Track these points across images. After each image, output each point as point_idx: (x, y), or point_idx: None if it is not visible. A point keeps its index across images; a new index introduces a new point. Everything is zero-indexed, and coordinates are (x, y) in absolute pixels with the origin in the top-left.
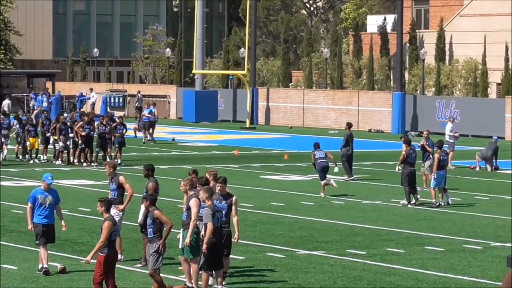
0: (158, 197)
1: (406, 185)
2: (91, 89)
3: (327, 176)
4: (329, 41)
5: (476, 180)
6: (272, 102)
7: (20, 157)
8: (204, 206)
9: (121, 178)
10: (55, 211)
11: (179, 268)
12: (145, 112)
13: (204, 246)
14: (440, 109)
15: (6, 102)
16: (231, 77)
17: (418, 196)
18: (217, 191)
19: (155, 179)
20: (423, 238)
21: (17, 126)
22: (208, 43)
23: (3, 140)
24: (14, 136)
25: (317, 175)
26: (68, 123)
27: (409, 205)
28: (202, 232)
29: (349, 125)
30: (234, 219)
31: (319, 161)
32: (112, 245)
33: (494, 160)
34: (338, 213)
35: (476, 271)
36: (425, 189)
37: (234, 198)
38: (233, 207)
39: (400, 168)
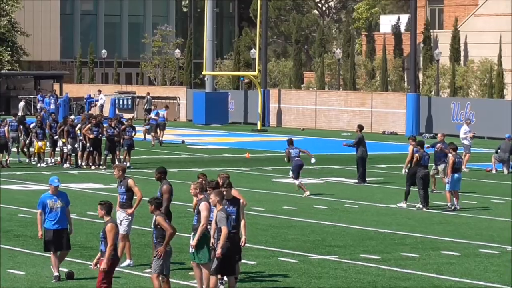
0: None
1: (420, 188)
2: (100, 91)
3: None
4: (342, 41)
5: (493, 183)
6: (284, 103)
7: (21, 159)
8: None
9: (130, 182)
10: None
11: (190, 273)
12: (152, 115)
13: (219, 251)
14: (455, 111)
15: (22, 105)
16: (241, 78)
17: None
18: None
19: (169, 182)
20: (438, 242)
21: (22, 129)
22: (218, 43)
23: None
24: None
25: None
26: (79, 125)
27: (425, 209)
28: (212, 239)
29: (360, 127)
30: (242, 223)
31: (295, 159)
32: (114, 249)
33: (511, 162)
34: (351, 216)
35: (492, 276)
36: (434, 192)
37: (241, 201)
38: (240, 211)
39: (406, 170)
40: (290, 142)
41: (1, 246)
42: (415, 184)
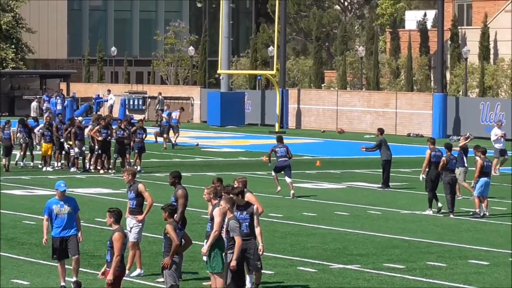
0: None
1: (447, 193)
2: (109, 91)
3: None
4: (365, 38)
5: None
6: (303, 104)
7: (21, 163)
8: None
9: (140, 186)
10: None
11: (204, 283)
12: (164, 115)
13: (233, 263)
14: (485, 112)
15: (34, 105)
16: (259, 77)
17: (441, 205)
18: None
19: (184, 187)
20: (466, 250)
21: (22, 131)
22: (234, 41)
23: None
24: (20, 142)
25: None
26: (90, 126)
27: (451, 215)
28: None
29: (381, 130)
30: (257, 230)
31: (280, 159)
32: (121, 259)
33: None
34: (374, 223)
35: None
36: (459, 197)
37: (255, 207)
38: (256, 217)
39: (424, 176)
40: (280, 140)
41: (5, 254)
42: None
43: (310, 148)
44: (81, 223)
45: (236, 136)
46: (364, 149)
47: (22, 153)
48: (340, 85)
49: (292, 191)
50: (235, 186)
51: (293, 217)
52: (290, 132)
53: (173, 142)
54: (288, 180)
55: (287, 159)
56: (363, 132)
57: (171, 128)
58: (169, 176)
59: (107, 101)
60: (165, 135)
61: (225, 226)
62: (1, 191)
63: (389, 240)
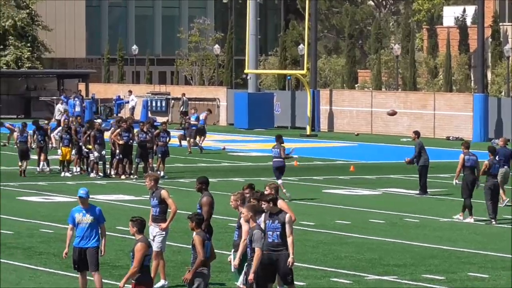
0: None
1: (488, 199)
2: (130, 92)
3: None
4: (400, 36)
5: None
6: (336, 105)
7: (38, 169)
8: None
9: (163, 193)
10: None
11: None
12: (192, 119)
13: (251, 276)
14: None
15: (60, 108)
16: (288, 77)
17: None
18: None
19: (210, 194)
20: (510, 261)
21: (37, 134)
22: (262, 38)
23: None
24: (34, 147)
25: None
26: (112, 129)
27: (494, 222)
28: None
29: (418, 133)
30: (289, 240)
31: (273, 159)
32: (146, 272)
33: None
34: (412, 232)
35: None
36: (504, 204)
37: (287, 215)
38: (288, 226)
39: (457, 181)
40: (278, 138)
41: (22, 265)
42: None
43: (343, 152)
44: None
45: (265, 140)
46: (408, 161)
47: (37, 157)
48: (374, 85)
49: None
50: (266, 192)
51: (325, 225)
52: (322, 135)
53: (200, 145)
54: (278, 182)
55: (281, 159)
56: (399, 135)
57: (198, 132)
58: (195, 182)
59: (128, 102)
60: (191, 140)
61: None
62: (17, 198)
63: (428, 249)
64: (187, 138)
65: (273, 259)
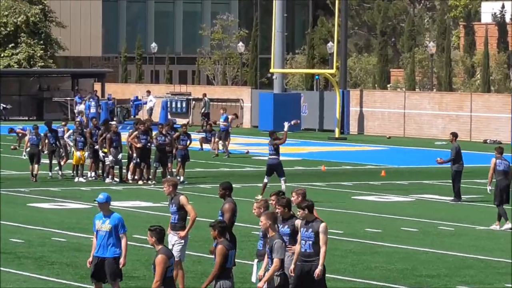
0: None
1: None
2: (148, 92)
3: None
4: (435, 33)
5: None
6: (367, 107)
7: (50, 173)
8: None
9: (182, 199)
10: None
11: None
12: (221, 120)
13: (261, 283)
14: None
15: (81, 108)
16: (317, 77)
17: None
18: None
19: (233, 200)
20: None
21: (50, 136)
22: (289, 36)
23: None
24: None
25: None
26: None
27: None
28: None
29: (456, 135)
30: (322, 250)
31: (269, 157)
32: (169, 283)
33: None
34: (446, 241)
35: None
36: None
37: (322, 224)
38: (322, 236)
39: (491, 188)
40: (271, 134)
41: (33, 275)
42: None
43: (374, 156)
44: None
45: (291, 143)
46: (440, 162)
47: (48, 161)
48: (408, 85)
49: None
50: (293, 198)
51: (355, 234)
52: (352, 138)
53: (227, 150)
54: (281, 179)
55: (276, 157)
56: (434, 138)
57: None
58: (219, 188)
59: (146, 103)
60: (221, 142)
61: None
62: (28, 204)
63: (463, 259)
64: (216, 140)
65: (305, 270)
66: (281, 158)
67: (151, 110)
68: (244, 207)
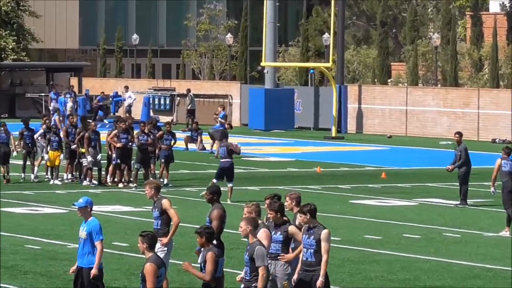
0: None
1: None
2: (127, 88)
3: None
4: (440, 24)
5: None
6: (366, 103)
7: (23, 175)
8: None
9: (165, 202)
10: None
11: None
12: (219, 117)
13: None
14: None
15: (70, 106)
16: (311, 71)
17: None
18: (297, 221)
19: (222, 206)
20: None
21: (25, 136)
22: (281, 26)
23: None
24: (19, 150)
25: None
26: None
27: None
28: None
29: (461, 135)
30: (323, 259)
31: (222, 160)
32: None
33: None
34: (451, 248)
35: None
36: None
37: (324, 231)
38: (323, 244)
39: (494, 190)
40: (224, 134)
41: (4, 286)
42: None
43: (374, 157)
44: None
45: (284, 143)
46: (452, 169)
47: (22, 162)
48: (410, 80)
49: (229, 199)
50: (286, 203)
51: (353, 241)
52: (350, 137)
53: (210, 150)
54: (229, 185)
55: (228, 159)
56: (438, 137)
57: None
58: (206, 192)
59: (125, 100)
60: (217, 142)
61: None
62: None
63: (470, 269)
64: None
65: (306, 280)
66: (273, 159)
67: (129, 107)
68: (234, 213)
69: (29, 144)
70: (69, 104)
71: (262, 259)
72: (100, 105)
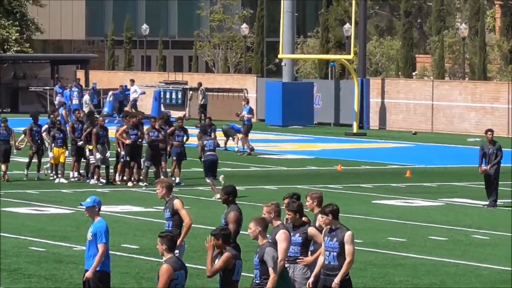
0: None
1: None
2: (132, 81)
3: None
4: (468, 14)
5: None
6: (389, 98)
7: (25, 173)
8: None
9: (176, 203)
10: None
11: None
12: (244, 112)
13: None
14: None
15: (87, 99)
16: (332, 63)
17: None
18: (317, 223)
19: (238, 207)
20: None
21: (35, 132)
22: (300, 16)
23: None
24: (24, 146)
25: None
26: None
27: None
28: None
29: (493, 132)
30: (346, 261)
31: (208, 153)
32: None
33: None
34: (480, 251)
35: None
36: None
37: (348, 233)
38: (348, 246)
39: None
40: (203, 131)
41: None
42: None
43: (398, 155)
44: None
45: (303, 139)
46: (485, 170)
47: (28, 160)
48: (436, 73)
49: (217, 195)
50: (307, 203)
51: (376, 243)
52: (372, 133)
53: (224, 147)
54: (208, 179)
55: (214, 153)
56: (465, 134)
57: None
58: (221, 192)
59: (135, 93)
60: (243, 137)
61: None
62: (2, 209)
63: (499, 273)
64: (241, 136)
65: (328, 285)
66: (290, 156)
67: (134, 101)
68: (249, 213)
69: (38, 141)
70: (86, 97)
71: (271, 261)
72: (121, 100)
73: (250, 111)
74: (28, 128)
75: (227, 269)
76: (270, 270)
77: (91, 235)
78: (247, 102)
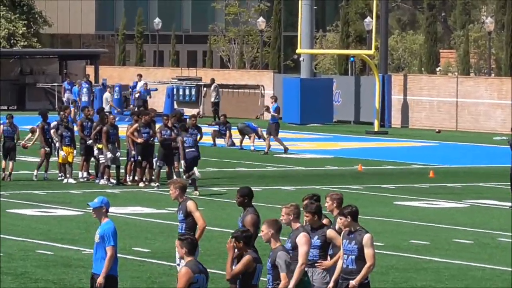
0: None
1: None
2: (140, 76)
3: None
4: (494, 7)
5: None
6: (412, 95)
7: (35, 173)
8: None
9: (190, 204)
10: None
11: None
12: (271, 110)
13: None
14: None
15: (107, 96)
16: (352, 58)
17: None
18: (337, 226)
19: (255, 210)
20: None
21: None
22: (319, 10)
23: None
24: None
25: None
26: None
27: None
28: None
29: None
30: (366, 264)
31: (188, 150)
32: None
33: None
34: (506, 255)
35: None
36: None
37: (367, 235)
38: (366, 250)
39: None
40: (184, 129)
41: None
42: None
43: (421, 154)
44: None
45: (322, 138)
46: None
47: (40, 160)
48: (461, 69)
49: (196, 192)
50: (326, 204)
51: (398, 246)
52: (394, 132)
53: (240, 146)
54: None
55: (194, 149)
56: (492, 132)
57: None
58: (236, 194)
59: (144, 89)
60: (272, 136)
61: (270, 258)
62: (7, 211)
63: None
64: (266, 136)
65: None
66: (309, 156)
67: (143, 96)
68: (265, 215)
69: (49, 139)
70: (107, 94)
71: (283, 266)
72: (145, 99)
73: (276, 109)
74: (40, 127)
75: (247, 272)
76: (283, 275)
77: (99, 237)
78: (275, 100)
